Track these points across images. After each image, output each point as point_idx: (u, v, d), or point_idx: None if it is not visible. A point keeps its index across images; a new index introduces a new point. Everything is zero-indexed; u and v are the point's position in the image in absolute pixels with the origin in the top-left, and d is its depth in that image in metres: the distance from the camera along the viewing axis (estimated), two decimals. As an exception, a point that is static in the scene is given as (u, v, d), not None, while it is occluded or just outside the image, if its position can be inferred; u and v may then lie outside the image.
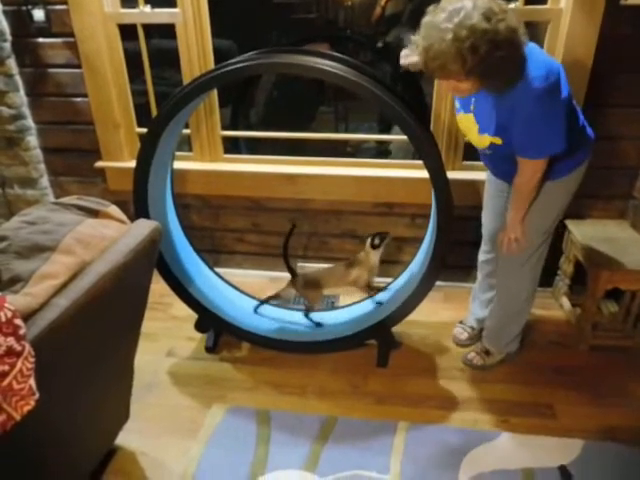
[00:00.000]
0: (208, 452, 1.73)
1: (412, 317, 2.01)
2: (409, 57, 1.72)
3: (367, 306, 2.20)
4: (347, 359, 2.12)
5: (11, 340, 0.94)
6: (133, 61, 2.35)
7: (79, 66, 2.32)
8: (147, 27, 2.28)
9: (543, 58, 1.49)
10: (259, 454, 1.73)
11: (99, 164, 2.50)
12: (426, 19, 1.41)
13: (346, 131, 3.48)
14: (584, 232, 2.20)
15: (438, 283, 1.93)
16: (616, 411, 1.87)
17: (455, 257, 2.33)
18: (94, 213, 1.35)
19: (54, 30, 2.27)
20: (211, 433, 1.80)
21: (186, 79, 2.28)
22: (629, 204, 2.27)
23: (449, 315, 2.36)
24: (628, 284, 2.06)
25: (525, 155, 1.57)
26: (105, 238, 1.29)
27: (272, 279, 2.60)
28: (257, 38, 3.08)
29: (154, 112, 2.41)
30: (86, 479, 1.59)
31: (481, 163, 1.91)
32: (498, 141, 1.59)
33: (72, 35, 2.25)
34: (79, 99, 2.41)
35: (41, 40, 2.30)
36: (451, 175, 1.80)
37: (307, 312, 2.18)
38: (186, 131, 2.39)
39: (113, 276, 1.22)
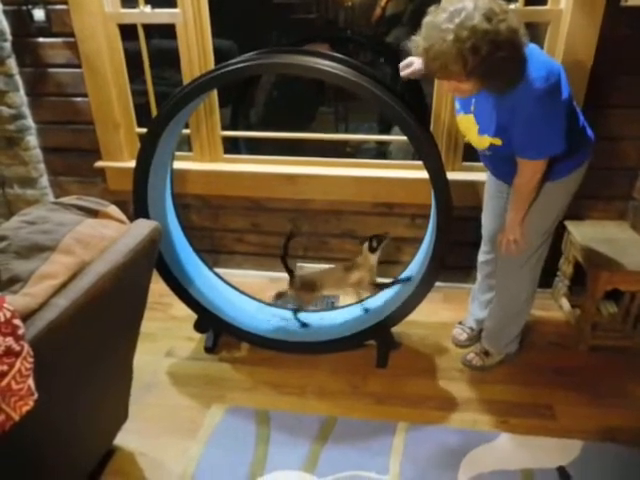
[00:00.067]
0: (207, 452, 1.73)
1: (411, 317, 2.01)
2: (408, 68, 1.73)
3: (356, 312, 2.20)
4: (346, 359, 2.12)
5: (10, 340, 0.94)
6: (133, 61, 2.35)
7: (79, 66, 2.32)
8: (147, 27, 2.28)
9: (543, 59, 1.49)
10: (258, 454, 1.73)
11: (99, 164, 2.50)
12: (427, 19, 1.41)
13: (346, 131, 3.48)
14: (584, 233, 2.20)
15: (438, 284, 1.93)
16: (615, 412, 1.87)
17: (455, 258, 2.33)
18: (94, 213, 1.35)
19: (54, 30, 2.27)
20: (210, 433, 1.80)
21: (186, 79, 2.28)
22: (629, 205, 2.27)
23: (448, 316, 2.36)
24: (627, 285, 2.06)
25: (525, 156, 1.57)
26: (105, 238, 1.29)
27: (272, 279, 2.60)
28: (257, 38, 3.07)
29: (154, 112, 2.41)
30: (85, 479, 1.59)
31: (481, 164, 1.91)
32: (498, 142, 1.59)
33: (72, 35, 2.25)
34: (79, 99, 2.41)
35: (41, 40, 2.30)
36: (451, 176, 1.80)
37: (296, 311, 2.18)
38: (186, 131, 2.39)
39: (112, 276, 1.22)
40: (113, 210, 1.40)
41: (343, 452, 1.73)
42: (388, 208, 2.43)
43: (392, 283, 2.09)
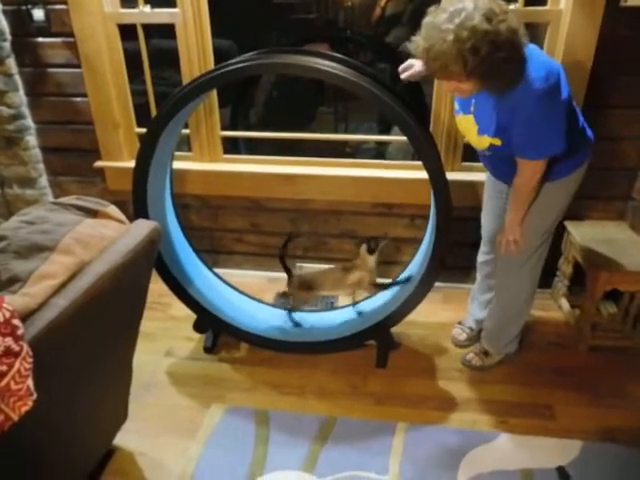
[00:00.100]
0: (207, 452, 1.73)
1: (411, 318, 2.01)
2: (407, 71, 1.73)
3: (349, 315, 2.20)
4: (346, 359, 2.12)
5: (9, 340, 0.94)
6: (133, 61, 2.34)
7: (79, 66, 2.32)
8: (147, 27, 2.28)
9: (543, 59, 1.49)
10: (258, 454, 1.73)
11: (98, 164, 2.50)
12: (427, 20, 1.41)
13: (346, 131, 3.47)
14: (583, 233, 2.20)
15: (437, 284, 1.93)
16: (615, 412, 1.87)
17: (454, 258, 2.33)
18: (93, 213, 1.35)
19: (54, 30, 2.26)
20: (210, 433, 1.80)
21: (186, 79, 2.28)
22: (628, 205, 2.28)
23: (448, 316, 2.36)
24: (627, 285, 2.06)
25: (525, 156, 1.57)
26: (104, 238, 1.29)
27: (271, 279, 2.60)
28: (257, 38, 3.07)
29: (154, 112, 2.41)
30: (85, 479, 1.59)
31: (480, 164, 1.91)
32: (498, 142, 1.59)
33: (72, 35, 2.25)
34: (79, 99, 2.41)
35: (41, 40, 2.30)
36: (450, 176, 1.80)
37: (290, 311, 2.18)
38: (185, 131, 2.39)
39: (112, 276, 1.21)
40: (112, 210, 1.40)
41: (343, 452, 1.73)
42: (387, 208, 2.43)
43: (392, 284, 2.09)
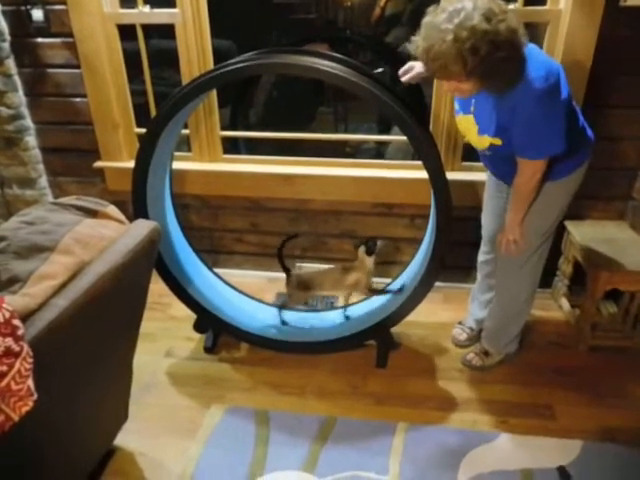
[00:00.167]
0: (207, 452, 1.73)
1: (411, 318, 2.01)
2: (408, 74, 1.73)
3: (338, 318, 2.20)
4: (346, 359, 2.12)
5: (9, 341, 0.94)
6: (132, 61, 2.34)
7: (78, 66, 2.31)
8: (146, 27, 2.28)
9: (543, 59, 1.49)
10: (258, 454, 1.72)
11: (98, 164, 2.49)
12: (426, 20, 1.41)
13: (345, 131, 3.47)
14: (583, 233, 2.20)
15: (437, 284, 1.93)
16: (615, 412, 1.87)
17: (454, 258, 2.33)
18: (93, 213, 1.35)
19: (53, 30, 2.26)
20: (210, 433, 1.80)
21: (185, 79, 2.28)
22: (628, 205, 2.28)
23: (448, 316, 2.36)
24: (627, 285, 2.06)
25: (525, 156, 1.57)
26: (104, 238, 1.29)
27: (271, 279, 2.60)
28: (257, 38, 3.08)
29: (153, 112, 2.41)
30: (85, 479, 1.59)
31: (480, 164, 1.91)
32: (498, 142, 1.59)
33: (71, 35, 2.24)
34: (78, 99, 2.41)
35: (40, 40, 2.30)
36: (450, 176, 1.80)
37: (281, 308, 2.17)
38: (185, 131, 2.39)
39: (112, 276, 1.21)
40: (112, 210, 1.40)
41: (343, 452, 1.73)
42: (387, 208, 2.43)
43: (384, 292, 2.09)
